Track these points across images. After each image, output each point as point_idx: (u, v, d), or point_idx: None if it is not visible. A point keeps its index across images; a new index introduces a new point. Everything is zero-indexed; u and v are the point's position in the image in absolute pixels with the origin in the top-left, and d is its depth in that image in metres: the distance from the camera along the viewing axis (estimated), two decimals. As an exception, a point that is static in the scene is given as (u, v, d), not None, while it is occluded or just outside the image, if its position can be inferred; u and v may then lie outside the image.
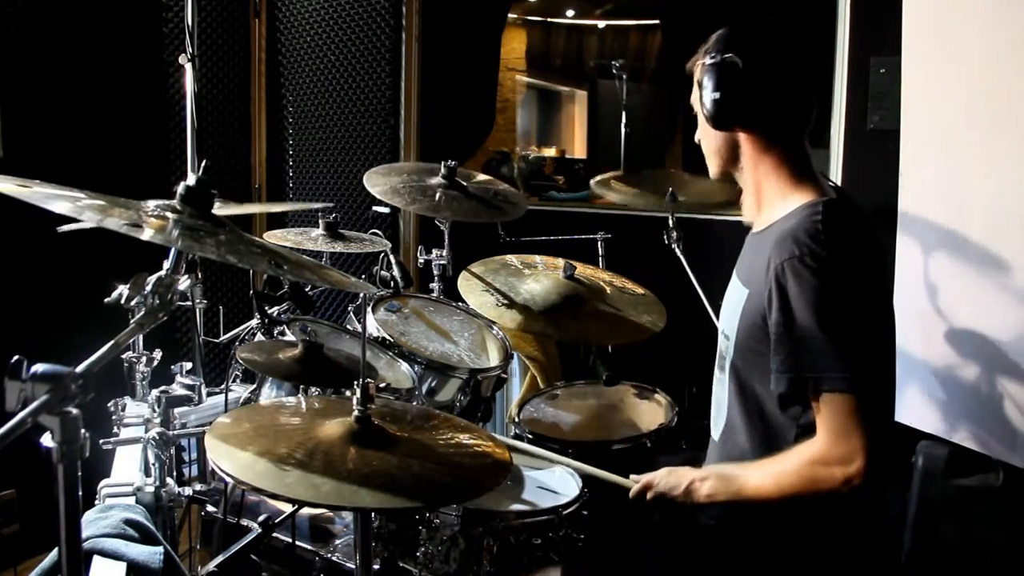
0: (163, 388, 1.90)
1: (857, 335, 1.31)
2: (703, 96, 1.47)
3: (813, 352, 1.30)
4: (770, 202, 1.51)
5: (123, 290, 1.26)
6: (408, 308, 2.33)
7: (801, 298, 1.31)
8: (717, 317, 1.66)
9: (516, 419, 2.17)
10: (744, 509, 1.44)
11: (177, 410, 1.90)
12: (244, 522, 1.92)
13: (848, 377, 1.28)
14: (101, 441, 1.75)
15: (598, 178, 2.70)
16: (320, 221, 2.26)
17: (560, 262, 2.31)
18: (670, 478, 1.50)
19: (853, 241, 1.38)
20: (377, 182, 2.31)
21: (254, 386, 2.02)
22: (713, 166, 1.59)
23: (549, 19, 6.75)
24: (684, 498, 1.47)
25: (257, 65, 3.59)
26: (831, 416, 1.30)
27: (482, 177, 2.52)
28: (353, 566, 1.76)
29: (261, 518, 1.68)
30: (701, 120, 1.55)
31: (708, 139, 1.57)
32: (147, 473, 1.76)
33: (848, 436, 1.28)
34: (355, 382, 1.30)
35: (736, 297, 1.51)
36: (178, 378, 2.03)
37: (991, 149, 2.10)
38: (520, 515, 1.71)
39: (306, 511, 1.91)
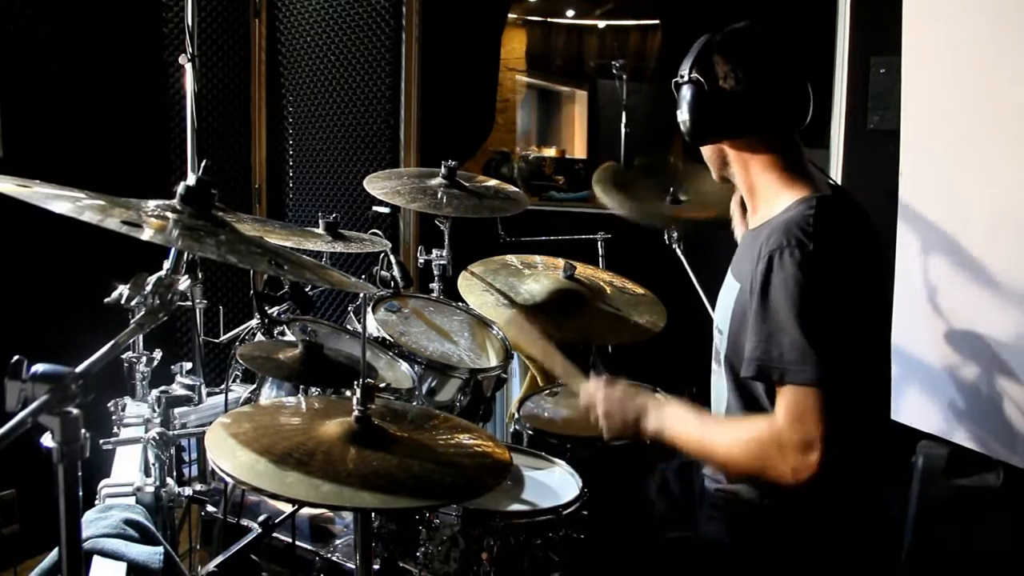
0: (163, 388, 1.90)
1: (832, 332, 1.30)
2: (678, 115, 1.51)
3: (783, 343, 1.30)
4: (765, 200, 1.51)
5: (123, 290, 1.26)
6: (408, 308, 2.33)
7: (781, 288, 1.31)
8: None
9: (516, 415, 2.17)
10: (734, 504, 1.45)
11: (177, 410, 1.90)
12: (244, 522, 1.92)
13: (815, 372, 1.27)
14: (101, 441, 1.75)
15: (598, 172, 2.66)
16: (320, 221, 2.26)
17: (560, 262, 2.31)
18: (626, 393, 1.54)
19: (844, 237, 1.38)
20: (378, 187, 2.32)
21: (254, 386, 2.02)
22: (712, 171, 1.62)
23: (549, 19, 6.76)
24: (632, 421, 1.51)
25: (257, 65, 3.59)
26: (792, 404, 1.29)
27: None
28: (353, 566, 1.76)
29: (261, 518, 1.69)
30: None
31: (703, 151, 1.60)
32: (147, 473, 1.76)
33: (804, 424, 1.27)
34: (355, 382, 1.30)
35: (729, 292, 1.52)
36: (178, 378, 2.02)
37: (991, 149, 2.10)
38: (520, 515, 1.71)
39: (306, 511, 1.91)
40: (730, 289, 1.52)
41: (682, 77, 1.48)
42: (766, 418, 1.33)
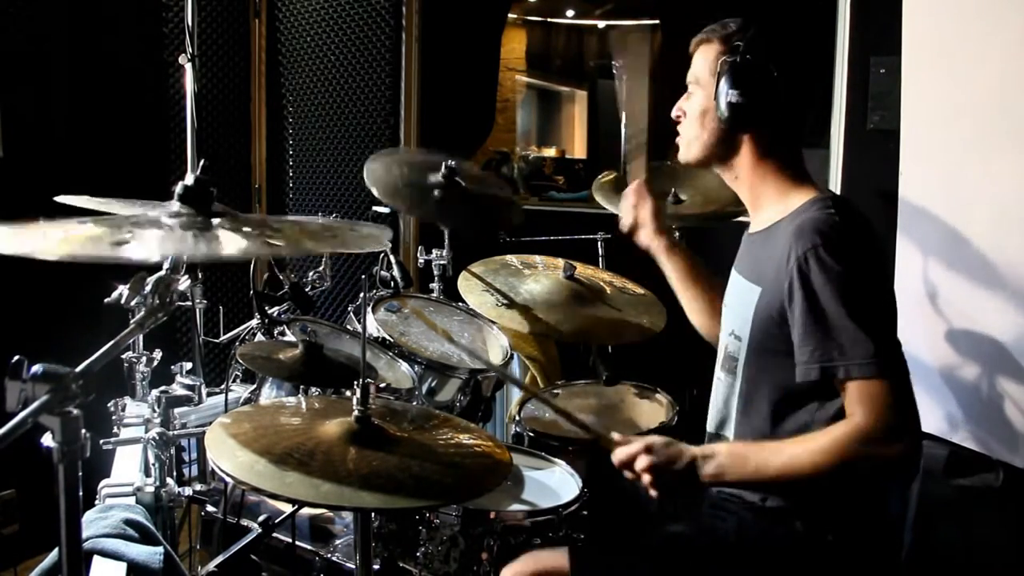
0: (163, 388, 1.90)
1: (883, 321, 1.33)
2: (722, 93, 1.44)
3: (843, 340, 1.30)
4: (768, 201, 1.51)
5: (123, 290, 1.26)
6: (408, 308, 2.33)
7: (827, 287, 1.31)
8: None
9: (516, 418, 2.17)
10: (750, 490, 1.45)
11: (177, 410, 1.90)
12: (244, 522, 1.92)
13: (879, 362, 1.28)
14: (101, 441, 1.75)
15: (598, 184, 2.64)
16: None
17: (560, 262, 2.31)
18: (670, 450, 1.39)
19: (865, 233, 1.40)
20: (377, 174, 2.27)
21: (254, 386, 2.03)
22: (694, 150, 1.55)
23: (549, 19, 6.75)
24: (685, 474, 1.37)
25: (257, 65, 3.59)
26: (865, 398, 1.28)
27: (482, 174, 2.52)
28: (353, 566, 1.76)
29: (261, 518, 1.69)
30: (699, 105, 1.52)
31: (703, 129, 1.52)
32: (147, 473, 1.76)
33: (884, 415, 1.27)
34: (355, 382, 1.30)
35: (745, 296, 1.49)
36: (178, 378, 2.02)
37: (991, 149, 2.10)
38: (520, 515, 1.71)
39: (306, 511, 1.91)
40: (745, 292, 1.50)
41: (742, 57, 1.43)
42: (843, 423, 1.30)
